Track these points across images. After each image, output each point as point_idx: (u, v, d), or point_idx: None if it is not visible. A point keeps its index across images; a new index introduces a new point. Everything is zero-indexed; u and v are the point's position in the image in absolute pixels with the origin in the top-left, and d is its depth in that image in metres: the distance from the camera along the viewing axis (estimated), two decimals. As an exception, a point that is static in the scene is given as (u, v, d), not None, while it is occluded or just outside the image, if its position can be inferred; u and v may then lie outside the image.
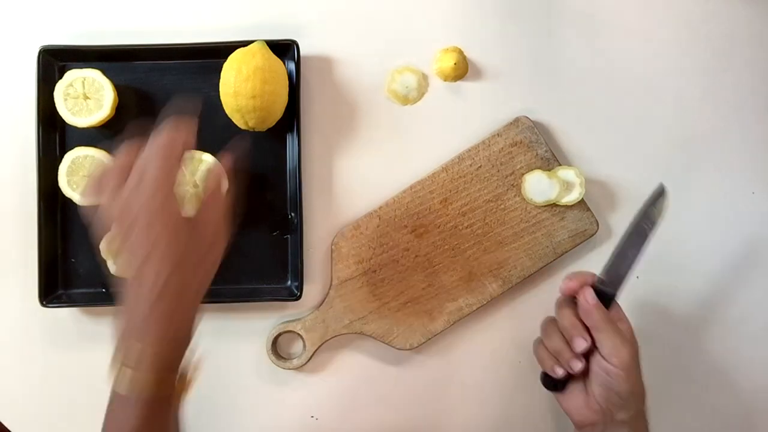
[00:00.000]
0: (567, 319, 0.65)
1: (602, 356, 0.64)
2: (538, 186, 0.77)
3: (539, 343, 0.69)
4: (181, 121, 0.61)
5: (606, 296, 0.65)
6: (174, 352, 0.58)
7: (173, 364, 0.58)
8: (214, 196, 0.63)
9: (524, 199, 0.78)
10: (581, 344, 0.64)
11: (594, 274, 0.66)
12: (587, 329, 0.65)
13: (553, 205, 0.78)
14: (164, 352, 0.57)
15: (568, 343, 0.65)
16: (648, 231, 0.65)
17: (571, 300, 0.67)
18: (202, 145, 0.76)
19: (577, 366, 0.65)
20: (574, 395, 0.67)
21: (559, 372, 0.66)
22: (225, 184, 0.65)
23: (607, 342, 0.63)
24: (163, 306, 0.56)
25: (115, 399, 0.58)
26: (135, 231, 0.57)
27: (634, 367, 0.64)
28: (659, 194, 0.66)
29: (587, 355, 0.65)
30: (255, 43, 0.73)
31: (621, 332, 0.64)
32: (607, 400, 0.64)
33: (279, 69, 0.73)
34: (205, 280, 0.60)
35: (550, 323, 0.68)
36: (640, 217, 0.65)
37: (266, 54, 0.73)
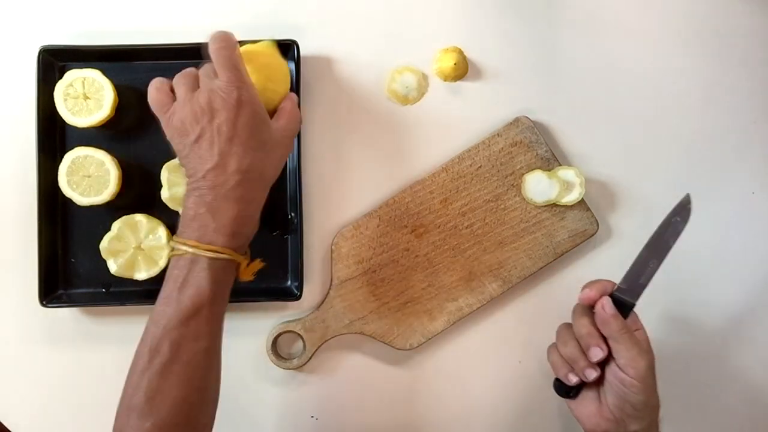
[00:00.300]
0: (584, 327, 0.64)
1: (618, 366, 0.62)
2: (538, 186, 0.77)
3: (553, 348, 0.68)
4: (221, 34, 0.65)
5: (624, 305, 0.64)
6: (246, 229, 0.64)
7: (244, 240, 0.64)
8: (291, 101, 0.68)
9: (524, 199, 0.78)
10: (597, 354, 0.63)
11: (613, 283, 0.64)
12: (604, 338, 0.64)
13: (553, 205, 0.78)
14: (239, 227, 0.63)
15: (584, 351, 0.64)
16: (671, 242, 0.64)
17: (588, 308, 0.65)
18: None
19: (592, 375, 0.64)
20: (587, 403, 0.66)
21: (573, 380, 0.65)
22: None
23: (624, 352, 0.62)
24: (244, 186, 0.62)
25: (184, 262, 0.62)
26: (216, 122, 0.62)
27: (650, 378, 0.63)
28: (685, 204, 0.65)
29: (602, 364, 0.64)
30: (263, 41, 0.72)
31: (638, 343, 0.63)
32: (621, 410, 0.63)
33: (282, 69, 0.72)
34: (276, 169, 0.66)
35: (566, 329, 0.67)
36: (665, 227, 0.64)
37: (271, 52, 0.71)
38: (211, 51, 0.64)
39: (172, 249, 0.63)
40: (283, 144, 0.66)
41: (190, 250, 0.61)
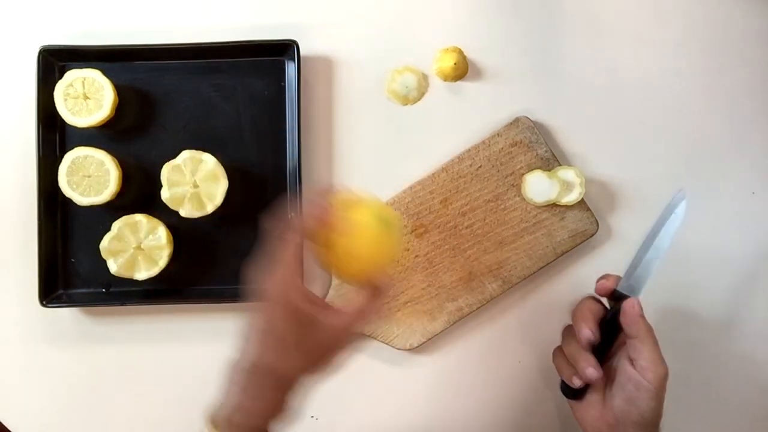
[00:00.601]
0: (572, 347, 0.65)
1: (637, 369, 0.62)
2: (538, 186, 0.77)
3: (558, 350, 0.67)
4: (314, 207, 0.58)
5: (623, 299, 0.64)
6: (248, 422, 0.58)
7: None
8: (370, 298, 0.59)
9: (524, 199, 0.78)
10: (587, 335, 0.63)
11: (620, 277, 0.65)
12: (607, 340, 0.63)
13: (553, 205, 0.78)
14: (238, 418, 0.58)
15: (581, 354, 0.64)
16: (669, 237, 0.64)
17: (588, 313, 0.65)
18: (203, 145, 0.76)
19: (594, 375, 0.63)
20: (590, 406, 0.66)
21: (577, 383, 0.65)
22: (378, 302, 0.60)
23: (647, 354, 0.61)
24: (250, 379, 0.57)
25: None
26: (260, 307, 0.58)
27: (663, 387, 0.62)
28: (680, 199, 0.65)
29: (611, 368, 0.64)
30: (379, 205, 0.63)
31: (659, 348, 0.62)
32: (626, 416, 0.62)
33: (381, 245, 0.60)
34: (304, 371, 0.59)
35: (570, 330, 0.67)
36: (662, 223, 0.65)
37: (380, 223, 0.59)
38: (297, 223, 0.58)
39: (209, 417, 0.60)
40: (329, 346, 0.58)
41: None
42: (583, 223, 0.78)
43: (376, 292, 0.59)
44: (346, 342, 0.59)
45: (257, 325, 0.58)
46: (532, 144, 0.78)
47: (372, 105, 0.79)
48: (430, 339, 0.78)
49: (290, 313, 0.57)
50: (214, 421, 0.58)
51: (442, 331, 0.78)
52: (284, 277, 0.57)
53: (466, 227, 0.78)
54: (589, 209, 0.78)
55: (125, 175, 0.76)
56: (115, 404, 0.79)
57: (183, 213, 0.74)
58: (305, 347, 0.58)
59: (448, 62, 0.78)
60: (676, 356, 0.80)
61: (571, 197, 0.76)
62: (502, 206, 0.78)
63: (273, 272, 0.57)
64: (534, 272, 0.78)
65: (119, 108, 0.76)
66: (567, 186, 0.77)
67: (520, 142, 0.78)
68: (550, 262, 0.78)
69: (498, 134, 0.78)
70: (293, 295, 0.57)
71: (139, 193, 0.77)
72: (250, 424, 0.58)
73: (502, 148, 0.78)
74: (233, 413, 0.58)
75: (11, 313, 0.78)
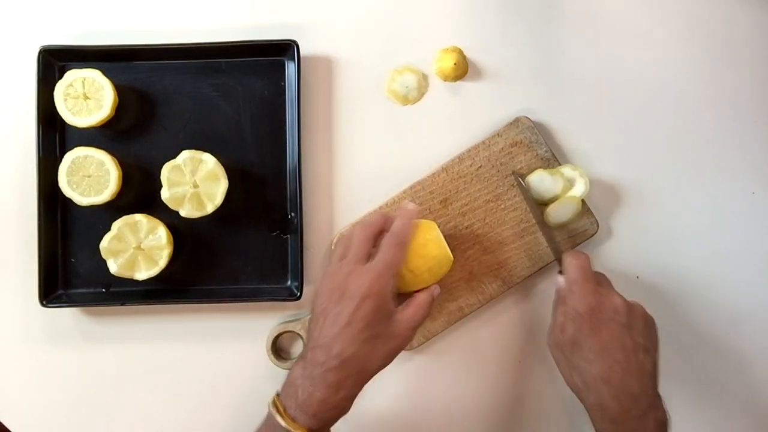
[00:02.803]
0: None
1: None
2: (541, 185, 0.76)
3: None
4: (409, 214, 0.69)
5: None
6: (331, 414, 0.64)
7: (324, 425, 0.64)
8: (428, 294, 0.68)
9: (524, 199, 0.78)
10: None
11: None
12: None
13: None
14: (322, 412, 0.63)
15: None
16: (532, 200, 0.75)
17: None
18: (203, 145, 0.76)
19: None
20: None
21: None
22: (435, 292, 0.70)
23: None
24: (338, 373, 0.62)
25: (270, 417, 0.65)
26: (340, 306, 0.63)
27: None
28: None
29: None
30: (430, 224, 0.72)
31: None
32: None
33: (438, 258, 0.71)
34: (384, 361, 0.65)
35: None
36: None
37: (435, 237, 0.71)
38: (392, 224, 0.68)
39: (272, 400, 0.65)
40: (402, 336, 0.65)
41: (276, 414, 0.63)
42: (583, 223, 0.78)
43: (428, 296, 0.68)
44: (411, 337, 0.66)
45: (345, 322, 0.63)
46: (532, 144, 0.78)
47: (372, 105, 0.79)
48: (430, 339, 0.78)
49: (381, 306, 0.64)
50: (291, 415, 0.63)
51: (442, 331, 0.78)
52: (382, 274, 0.64)
53: (466, 227, 0.78)
54: (589, 209, 0.78)
55: (125, 175, 0.76)
56: (115, 404, 0.79)
57: (183, 213, 0.74)
58: (388, 343, 0.64)
59: (448, 62, 0.78)
60: (678, 354, 0.80)
61: (577, 191, 0.76)
62: (502, 206, 0.78)
63: (367, 270, 0.64)
64: (534, 272, 0.78)
65: (119, 108, 0.76)
66: (570, 182, 0.76)
67: (520, 142, 0.78)
68: (550, 263, 0.78)
69: (498, 134, 0.78)
70: (385, 291, 0.64)
71: (139, 193, 0.77)
72: (334, 417, 0.64)
73: (503, 148, 0.78)
74: (318, 408, 0.62)
75: (11, 313, 0.78)
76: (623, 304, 0.67)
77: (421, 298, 0.68)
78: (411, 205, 0.70)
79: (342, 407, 0.64)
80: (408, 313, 0.66)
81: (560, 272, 0.71)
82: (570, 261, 0.70)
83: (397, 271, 0.65)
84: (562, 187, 0.76)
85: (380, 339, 0.64)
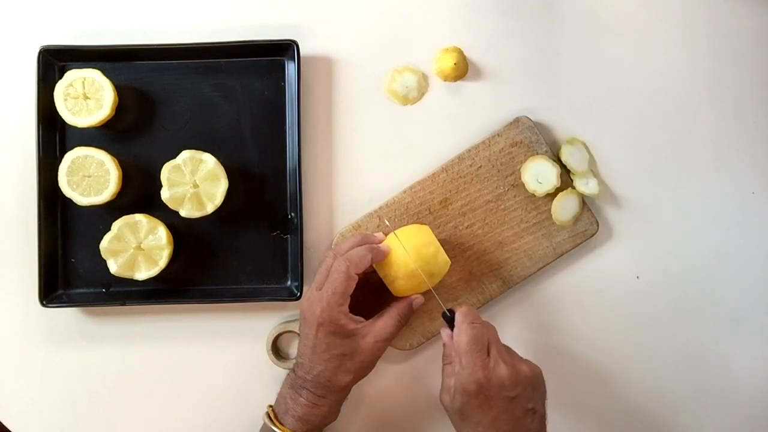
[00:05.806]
0: None
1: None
2: (571, 159, 0.77)
3: None
4: (367, 242, 0.72)
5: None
6: (316, 420, 0.71)
7: (312, 427, 0.71)
8: (402, 307, 0.72)
9: (524, 199, 0.78)
10: None
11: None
12: None
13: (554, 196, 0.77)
14: (308, 417, 0.70)
15: None
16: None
17: None
18: (203, 145, 0.76)
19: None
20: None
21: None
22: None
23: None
24: (311, 389, 0.70)
25: (266, 423, 0.72)
26: (306, 329, 0.70)
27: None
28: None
29: None
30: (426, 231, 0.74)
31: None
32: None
33: (429, 265, 0.72)
34: (352, 375, 0.70)
35: None
36: None
37: (430, 242, 0.73)
38: (348, 247, 0.72)
39: (270, 406, 0.73)
40: (368, 350, 0.70)
41: (267, 421, 0.71)
42: (583, 223, 0.78)
43: (402, 308, 0.72)
44: (382, 348, 0.70)
45: (311, 345, 0.69)
46: (533, 144, 0.78)
47: (372, 105, 0.79)
48: (429, 339, 0.78)
49: (336, 330, 0.68)
50: (287, 420, 0.70)
51: (442, 331, 0.78)
52: (330, 302, 0.68)
53: (466, 227, 0.78)
54: (589, 209, 0.78)
55: (125, 175, 0.76)
56: (115, 404, 0.79)
57: (183, 213, 0.74)
58: (354, 358, 0.69)
59: (448, 62, 0.78)
60: (677, 355, 0.80)
61: (590, 189, 0.76)
62: (503, 206, 0.78)
63: (320, 298, 0.68)
64: (534, 272, 0.78)
65: (119, 108, 0.76)
66: (586, 182, 0.77)
67: (521, 142, 0.78)
68: (550, 263, 0.78)
69: (498, 134, 0.78)
70: (336, 316, 0.68)
71: (139, 193, 0.77)
72: (321, 424, 0.71)
73: (503, 148, 0.78)
74: (299, 422, 0.70)
75: (11, 313, 0.78)
76: (509, 376, 0.66)
77: (392, 311, 0.71)
78: (379, 235, 0.74)
79: (326, 414, 0.71)
80: (377, 326, 0.70)
81: (445, 314, 0.71)
82: (462, 326, 0.68)
83: (347, 296, 0.69)
84: (559, 173, 0.76)
85: (345, 357, 0.69)
